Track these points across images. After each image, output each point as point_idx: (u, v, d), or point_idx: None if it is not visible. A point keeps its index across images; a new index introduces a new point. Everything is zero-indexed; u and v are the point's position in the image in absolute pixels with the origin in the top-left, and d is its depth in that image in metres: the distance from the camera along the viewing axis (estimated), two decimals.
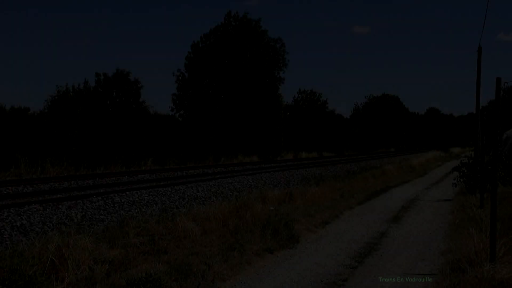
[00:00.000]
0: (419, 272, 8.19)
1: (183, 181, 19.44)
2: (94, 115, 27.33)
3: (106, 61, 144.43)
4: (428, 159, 47.71)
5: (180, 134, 32.52)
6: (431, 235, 11.62)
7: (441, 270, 7.82)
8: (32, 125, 22.47)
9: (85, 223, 11.04)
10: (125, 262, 7.50)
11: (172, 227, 9.41)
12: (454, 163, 25.43)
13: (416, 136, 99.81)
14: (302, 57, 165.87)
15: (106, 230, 9.56)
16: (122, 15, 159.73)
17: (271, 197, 14.57)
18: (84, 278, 6.65)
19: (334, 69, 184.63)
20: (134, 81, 30.77)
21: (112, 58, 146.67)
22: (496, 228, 7.46)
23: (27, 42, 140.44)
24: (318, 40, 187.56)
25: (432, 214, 15.13)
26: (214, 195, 17.14)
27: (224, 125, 38.07)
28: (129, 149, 25.95)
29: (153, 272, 6.67)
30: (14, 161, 19.61)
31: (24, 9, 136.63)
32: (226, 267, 7.84)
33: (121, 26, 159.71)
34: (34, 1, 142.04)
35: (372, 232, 11.89)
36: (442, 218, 14.12)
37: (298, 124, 50.12)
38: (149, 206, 13.91)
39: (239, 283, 7.44)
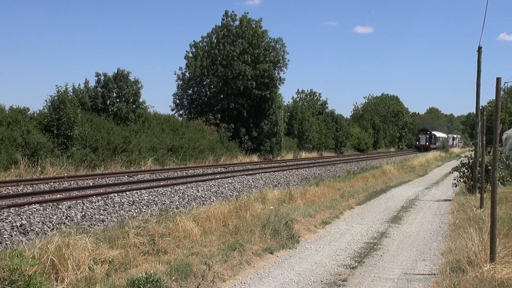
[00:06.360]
0: (419, 272, 8.19)
1: (183, 181, 19.45)
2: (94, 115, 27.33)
3: (106, 62, 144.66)
4: (428, 159, 47.67)
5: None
6: (431, 235, 11.62)
7: (441, 270, 7.82)
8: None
9: (85, 223, 11.03)
10: (125, 262, 7.49)
11: (172, 227, 9.39)
12: (454, 163, 25.41)
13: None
14: (303, 57, 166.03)
15: (106, 230, 9.55)
16: (122, 14, 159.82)
17: (271, 197, 14.55)
18: (84, 278, 6.65)
19: (336, 69, 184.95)
20: (134, 81, 30.71)
21: (112, 58, 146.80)
22: (496, 228, 7.46)
23: (27, 42, 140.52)
24: (319, 40, 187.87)
25: (432, 214, 15.13)
26: (214, 195, 17.14)
27: (224, 125, 38.00)
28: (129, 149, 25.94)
29: (153, 272, 6.67)
30: (14, 161, 19.61)
31: (25, 10, 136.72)
32: (226, 267, 7.84)
33: (121, 26, 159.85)
34: (34, 2, 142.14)
35: (372, 232, 11.89)
36: (442, 218, 14.12)
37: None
38: (149, 206, 13.91)
39: (239, 283, 7.44)
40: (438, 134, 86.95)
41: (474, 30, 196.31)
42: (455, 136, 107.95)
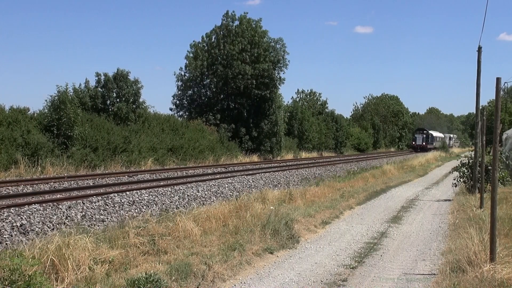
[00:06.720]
0: (419, 272, 8.19)
1: (183, 181, 19.45)
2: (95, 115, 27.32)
3: (106, 62, 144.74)
4: (428, 159, 47.69)
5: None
6: (431, 235, 11.62)
7: (441, 270, 7.82)
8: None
9: (85, 223, 11.04)
10: (125, 262, 7.50)
11: (172, 227, 9.39)
12: (454, 163, 25.41)
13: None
14: (303, 57, 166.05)
15: (106, 230, 9.56)
16: (123, 14, 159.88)
17: (271, 197, 14.55)
18: (84, 278, 6.65)
19: (336, 69, 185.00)
20: (134, 81, 30.71)
21: (112, 58, 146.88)
22: (496, 228, 7.46)
23: (27, 42, 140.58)
24: (319, 40, 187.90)
25: (432, 214, 15.13)
26: (214, 195, 17.14)
27: (224, 125, 38.00)
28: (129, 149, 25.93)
29: (153, 272, 6.67)
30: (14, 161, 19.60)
31: (25, 10, 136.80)
32: (226, 267, 7.84)
33: (121, 26, 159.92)
34: (34, 2, 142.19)
35: (372, 232, 11.89)
36: (442, 218, 14.12)
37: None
38: (149, 206, 13.91)
39: (239, 283, 7.44)
40: (436, 133, 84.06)
41: (474, 30, 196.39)
42: (451, 135, 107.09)
